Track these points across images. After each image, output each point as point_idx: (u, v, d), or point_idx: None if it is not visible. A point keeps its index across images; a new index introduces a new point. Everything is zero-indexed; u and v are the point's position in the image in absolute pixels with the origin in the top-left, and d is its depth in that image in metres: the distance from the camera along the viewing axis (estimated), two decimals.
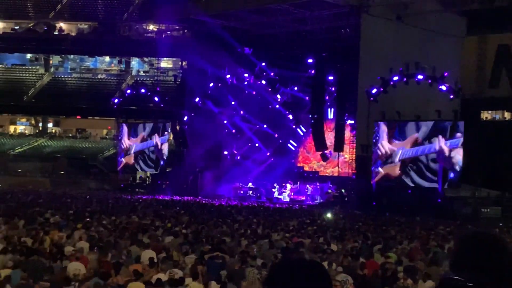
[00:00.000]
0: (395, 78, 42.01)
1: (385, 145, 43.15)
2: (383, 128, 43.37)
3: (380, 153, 43.19)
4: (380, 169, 43.31)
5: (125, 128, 58.98)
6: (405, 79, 41.79)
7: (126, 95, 59.59)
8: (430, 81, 41.41)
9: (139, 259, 15.36)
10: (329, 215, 36.66)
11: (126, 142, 58.44)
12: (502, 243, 2.82)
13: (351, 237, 22.55)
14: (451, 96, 41.45)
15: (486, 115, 54.03)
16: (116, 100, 59.80)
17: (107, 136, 70.27)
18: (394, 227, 28.18)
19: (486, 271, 2.68)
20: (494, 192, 43.36)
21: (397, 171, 42.56)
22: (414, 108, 42.35)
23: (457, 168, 40.00)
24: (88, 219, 25.08)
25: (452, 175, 40.31)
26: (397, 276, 14.39)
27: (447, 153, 40.27)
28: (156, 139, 56.20)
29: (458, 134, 40.20)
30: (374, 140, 43.69)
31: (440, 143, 40.62)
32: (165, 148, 55.85)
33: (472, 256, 2.74)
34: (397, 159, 42.54)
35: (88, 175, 60.30)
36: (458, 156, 39.97)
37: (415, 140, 42.05)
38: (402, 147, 42.43)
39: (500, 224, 32.94)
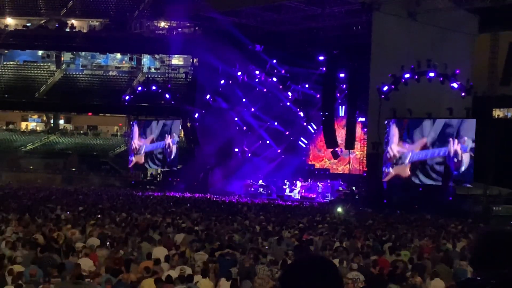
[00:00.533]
0: (407, 75, 41.89)
1: (394, 148, 43.29)
2: (393, 132, 43.39)
3: (389, 156, 43.29)
4: (390, 169, 43.33)
5: (135, 128, 59.17)
6: (416, 77, 41.67)
7: (137, 92, 59.76)
8: (441, 79, 41.26)
9: (150, 255, 15.41)
10: (339, 209, 36.75)
11: (136, 142, 58.70)
12: None
13: (362, 235, 22.51)
14: (463, 94, 41.29)
15: (498, 112, 53.76)
16: (127, 97, 59.99)
17: (118, 133, 70.47)
18: (405, 225, 28.12)
19: (507, 268, 2.68)
20: (506, 190, 43.16)
21: (407, 171, 42.62)
22: (425, 105, 42.23)
23: (463, 168, 40.10)
24: (99, 216, 25.19)
25: (455, 173, 40.51)
26: (406, 274, 14.36)
27: (460, 157, 40.37)
28: (168, 139, 56.34)
29: (465, 138, 40.28)
30: (386, 140, 43.66)
31: (454, 146, 40.68)
32: (174, 148, 56.01)
33: (491, 253, 2.74)
34: (407, 161, 42.61)
35: (99, 172, 60.54)
36: (466, 159, 40.12)
37: (424, 144, 42.15)
38: (412, 150, 42.54)
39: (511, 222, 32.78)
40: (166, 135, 56.66)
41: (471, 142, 40.10)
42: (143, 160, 58.26)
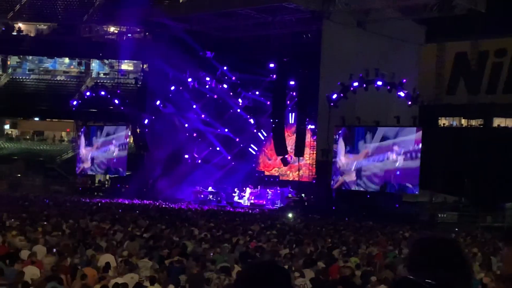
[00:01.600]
0: (355, 84, 42.44)
1: (342, 159, 44.24)
2: (341, 145, 44.14)
3: (338, 165, 44.10)
4: (339, 177, 44.03)
5: (83, 134, 58.65)
6: (364, 85, 42.25)
7: (86, 97, 58.93)
8: (389, 88, 41.92)
9: (96, 263, 15.21)
10: (290, 215, 36.98)
11: (83, 148, 58.26)
12: (456, 246, 2.88)
13: (311, 241, 22.65)
14: (409, 103, 42.00)
15: (443, 121, 54.89)
16: (75, 102, 59.09)
17: (65, 139, 69.42)
18: (353, 232, 28.41)
19: (441, 273, 2.73)
20: (451, 197, 44.05)
21: (353, 177, 43.44)
22: (373, 114, 42.83)
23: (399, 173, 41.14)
24: (45, 223, 24.74)
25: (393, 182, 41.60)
26: (354, 280, 14.51)
27: (398, 163, 41.48)
28: (113, 146, 56.03)
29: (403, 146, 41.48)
30: (335, 150, 44.31)
31: (393, 154, 41.80)
32: (120, 155, 55.65)
33: (426, 258, 2.79)
34: (353, 168, 43.48)
35: (46, 178, 59.47)
36: (403, 164, 41.13)
37: (366, 153, 43.14)
38: (356, 160, 43.43)
39: (456, 229, 33.45)
40: (111, 141, 56.19)
41: (410, 148, 41.11)
42: (90, 166, 57.64)
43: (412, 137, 41.31)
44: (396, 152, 41.82)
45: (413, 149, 41.05)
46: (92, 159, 57.54)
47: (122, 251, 17.74)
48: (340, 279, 14.67)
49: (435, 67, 52.03)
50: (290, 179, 52.41)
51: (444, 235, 2.91)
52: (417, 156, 40.76)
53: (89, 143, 58.14)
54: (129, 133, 56.54)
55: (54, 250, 17.27)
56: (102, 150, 57.06)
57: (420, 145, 40.74)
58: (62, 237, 20.67)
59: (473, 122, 52.34)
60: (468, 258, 2.96)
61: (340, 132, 44.31)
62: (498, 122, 52.84)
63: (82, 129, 59.21)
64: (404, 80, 41.73)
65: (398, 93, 41.95)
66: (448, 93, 54.21)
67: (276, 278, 2.74)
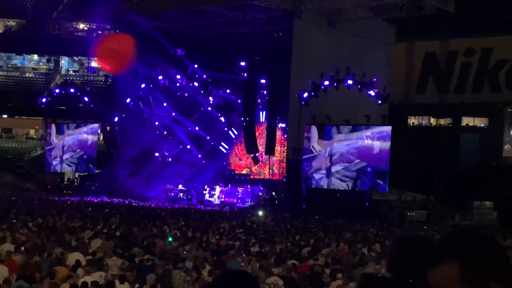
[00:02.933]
0: (326, 82, 42.63)
1: (315, 146, 44.15)
2: (314, 132, 44.26)
3: (313, 152, 44.05)
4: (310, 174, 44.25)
5: (52, 131, 58.20)
6: (335, 84, 42.47)
7: (55, 94, 58.34)
8: (359, 86, 42.19)
9: (65, 261, 15.07)
10: (260, 213, 37.02)
11: (52, 148, 57.88)
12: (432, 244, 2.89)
13: (281, 239, 22.70)
14: (379, 102, 42.31)
15: (413, 120, 55.37)
16: (44, 100, 58.49)
17: (34, 136, 68.66)
18: (323, 230, 28.54)
19: (421, 272, 2.74)
20: (420, 196, 44.46)
21: (328, 163, 43.89)
22: (344, 112, 43.08)
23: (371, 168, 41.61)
24: (13, 221, 24.46)
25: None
26: (323, 278, 14.57)
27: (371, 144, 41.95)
28: (81, 144, 55.69)
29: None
30: (305, 146, 44.51)
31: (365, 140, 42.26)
32: (88, 152, 55.31)
33: (407, 257, 2.80)
34: (326, 154, 43.91)
35: (14, 175, 58.74)
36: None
37: (339, 139, 43.77)
38: (330, 146, 43.88)
39: (425, 227, 33.79)
40: (80, 139, 55.73)
41: (383, 134, 41.60)
42: (59, 163, 57.10)
43: (383, 129, 41.86)
44: (369, 137, 42.22)
45: (386, 135, 41.49)
46: (62, 156, 57.05)
47: (91, 249, 17.62)
48: (309, 276, 14.73)
49: (405, 67, 52.43)
50: (261, 177, 52.48)
51: (421, 234, 2.94)
52: (389, 139, 41.24)
53: (58, 141, 57.60)
54: (99, 131, 56.11)
55: (22, 248, 17.09)
56: (71, 148, 56.58)
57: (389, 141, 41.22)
58: (30, 235, 20.45)
59: (442, 121, 52.90)
60: None
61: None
62: (466, 121, 53.47)
63: (51, 127, 58.66)
64: (375, 79, 42.04)
65: (369, 92, 42.24)
66: (417, 93, 54.64)
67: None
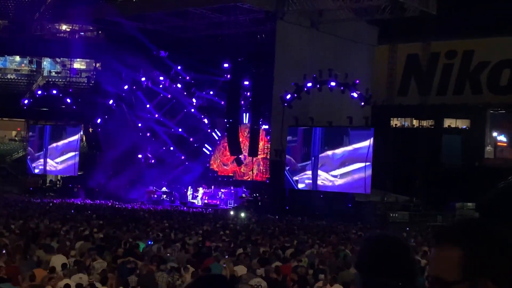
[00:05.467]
0: (309, 84, 42.72)
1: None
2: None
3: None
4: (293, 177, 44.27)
5: (33, 138, 58.10)
6: (318, 86, 42.56)
7: (37, 96, 58.05)
8: (342, 88, 42.32)
9: (47, 264, 14.98)
10: (242, 214, 37.02)
11: (34, 150, 57.75)
12: (404, 246, 2.92)
13: (264, 241, 22.72)
14: (362, 104, 42.46)
15: (395, 122, 55.62)
16: (26, 101, 58.14)
17: (16, 138, 68.18)
18: (306, 231, 28.59)
19: (388, 273, 2.76)
20: (402, 197, 44.68)
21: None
22: (327, 114, 43.18)
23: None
24: None
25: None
26: (307, 279, 14.61)
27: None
28: (63, 145, 55.41)
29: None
30: (288, 147, 44.59)
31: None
32: (71, 153, 55.06)
33: (375, 257, 2.82)
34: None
35: None
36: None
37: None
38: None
39: (407, 228, 33.93)
40: (63, 141, 55.47)
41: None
42: (41, 165, 56.78)
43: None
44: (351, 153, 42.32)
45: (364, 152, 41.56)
46: (44, 158, 56.71)
47: (73, 251, 17.54)
48: (293, 278, 14.76)
49: (387, 68, 52.70)
50: (244, 179, 52.44)
51: (391, 234, 2.95)
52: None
53: (40, 143, 57.30)
54: (81, 133, 55.85)
55: (4, 251, 16.97)
56: (53, 150, 56.26)
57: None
58: (12, 237, 20.30)
59: (424, 123, 53.20)
60: (414, 258, 3.00)
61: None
62: (448, 122, 53.80)
63: (33, 128, 58.31)
64: (357, 81, 42.18)
65: (351, 94, 42.39)
66: (399, 94, 54.96)
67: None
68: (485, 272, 2.05)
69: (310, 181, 43.76)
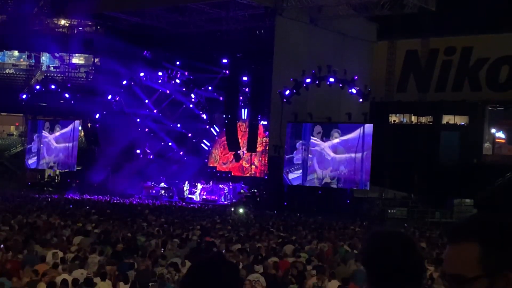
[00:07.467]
0: (308, 80, 42.68)
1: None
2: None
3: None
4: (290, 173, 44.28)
5: (32, 133, 57.95)
6: (317, 82, 42.53)
7: (35, 91, 57.94)
8: (341, 84, 42.29)
9: (45, 259, 14.98)
10: (241, 210, 37.02)
11: (32, 145, 57.58)
12: (411, 242, 2.90)
13: (262, 237, 22.72)
14: (361, 100, 42.44)
15: (394, 118, 55.60)
16: (24, 96, 58.04)
17: (14, 133, 68.12)
18: (305, 227, 28.60)
19: (397, 269, 2.75)
20: (400, 193, 44.70)
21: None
22: (326, 110, 43.17)
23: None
24: None
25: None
26: (305, 275, 14.62)
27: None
28: (62, 140, 55.33)
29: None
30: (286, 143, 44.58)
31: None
32: (70, 148, 54.99)
33: (383, 254, 2.80)
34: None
35: None
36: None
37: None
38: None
39: (405, 224, 33.97)
40: (61, 135, 55.40)
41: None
42: (40, 160, 56.73)
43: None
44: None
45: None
46: (43, 153, 56.63)
47: (72, 246, 17.54)
48: (291, 274, 14.76)
49: (386, 65, 52.69)
50: (243, 175, 52.44)
51: (399, 231, 2.93)
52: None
53: (39, 137, 57.22)
54: (80, 128, 55.80)
55: (2, 245, 16.97)
56: (52, 145, 56.20)
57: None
58: (10, 232, 20.30)
59: (423, 119, 53.18)
60: (421, 254, 2.99)
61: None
62: (447, 119, 53.80)
63: (31, 123, 58.23)
64: (356, 77, 42.14)
65: (350, 90, 42.35)
66: (398, 90, 54.97)
67: (224, 272, 2.73)
68: (506, 265, 2.05)
69: (300, 174, 43.83)
